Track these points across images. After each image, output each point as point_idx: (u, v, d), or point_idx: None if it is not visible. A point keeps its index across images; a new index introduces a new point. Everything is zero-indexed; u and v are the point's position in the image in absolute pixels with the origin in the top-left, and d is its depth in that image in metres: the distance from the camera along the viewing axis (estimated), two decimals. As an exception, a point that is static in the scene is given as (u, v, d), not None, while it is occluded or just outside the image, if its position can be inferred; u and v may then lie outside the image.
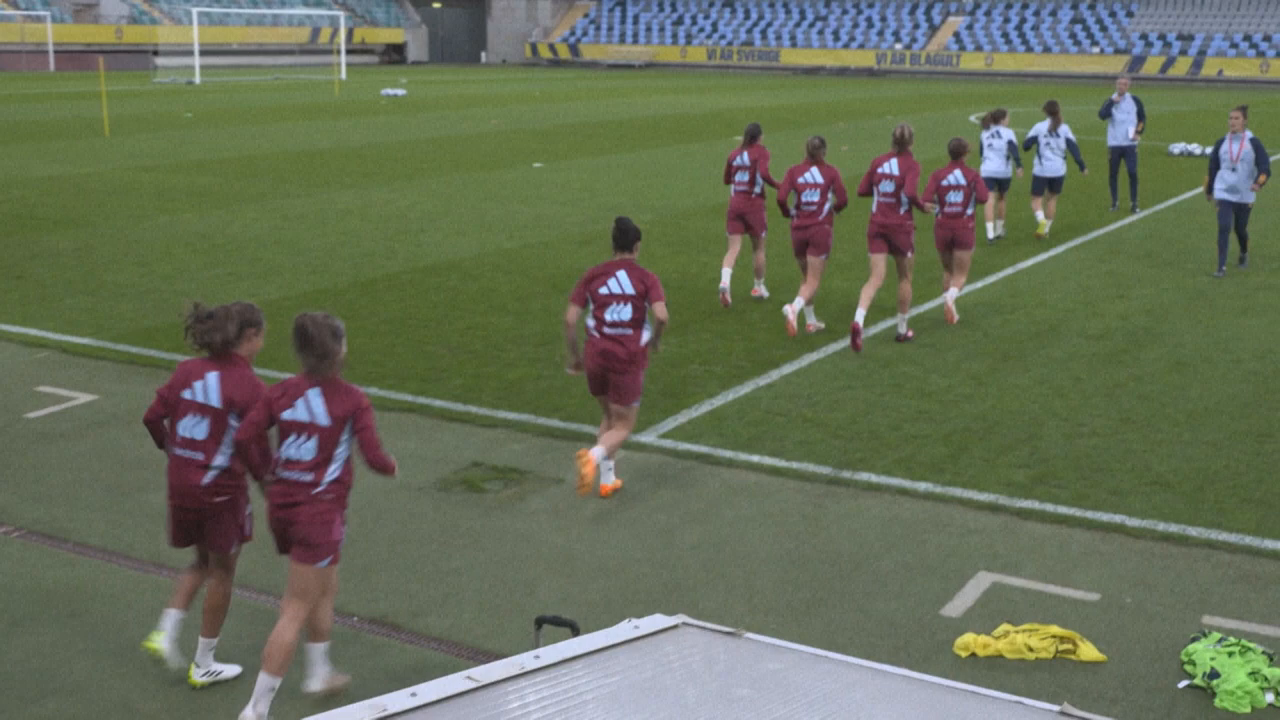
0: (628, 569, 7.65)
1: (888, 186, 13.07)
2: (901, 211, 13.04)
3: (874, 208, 13.20)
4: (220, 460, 6.08)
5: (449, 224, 20.12)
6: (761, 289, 15.09)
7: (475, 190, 24.11)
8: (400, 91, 54.46)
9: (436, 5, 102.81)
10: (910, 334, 13.28)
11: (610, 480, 8.87)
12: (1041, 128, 19.92)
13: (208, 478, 6.09)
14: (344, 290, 15.26)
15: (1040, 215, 19.80)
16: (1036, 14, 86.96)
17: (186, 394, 6.12)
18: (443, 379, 11.53)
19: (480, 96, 53.74)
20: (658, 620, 3.60)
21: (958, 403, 11.08)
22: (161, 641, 6.22)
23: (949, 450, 9.83)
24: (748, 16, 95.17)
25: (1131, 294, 15.70)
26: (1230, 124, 16.73)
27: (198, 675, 6.28)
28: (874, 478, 9.23)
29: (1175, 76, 75.32)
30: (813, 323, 13.53)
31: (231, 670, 6.35)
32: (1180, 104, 54.88)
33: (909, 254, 13.10)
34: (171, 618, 6.25)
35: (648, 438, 10.00)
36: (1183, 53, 78.65)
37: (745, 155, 14.58)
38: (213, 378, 6.08)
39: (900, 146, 13.10)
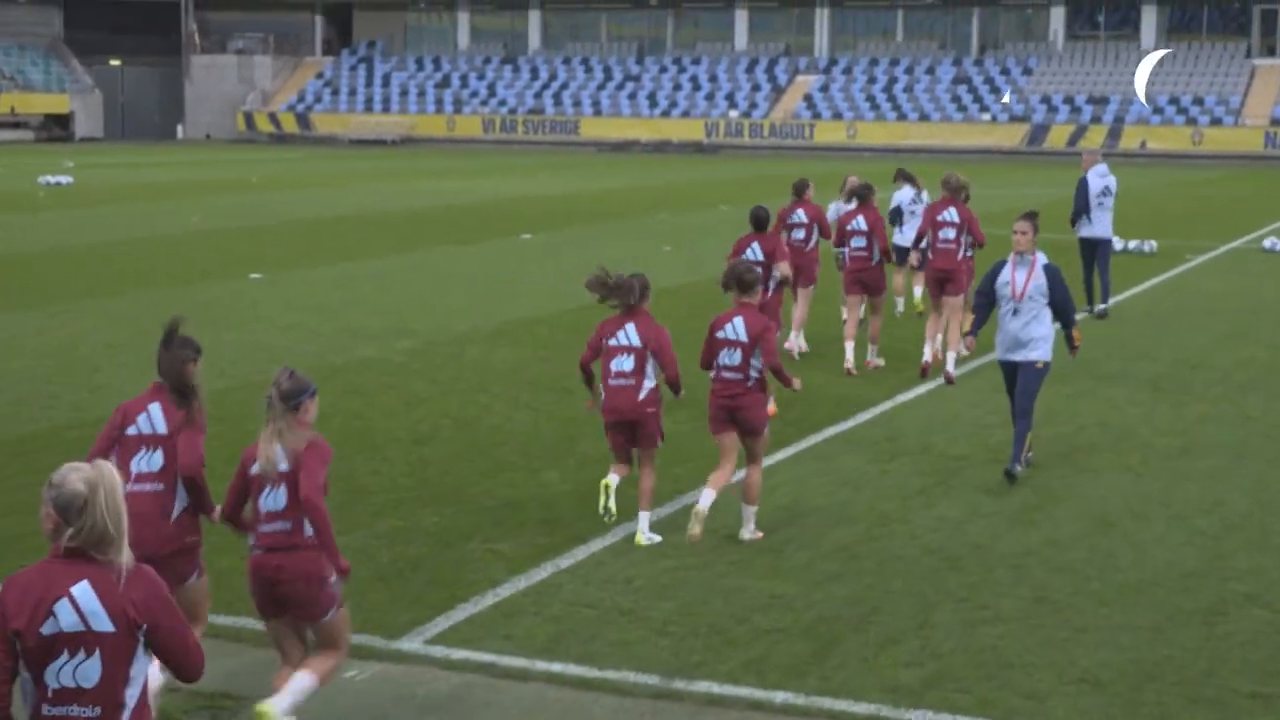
0: (386, 827, 7.52)
1: (946, 233, 19.42)
2: (959, 257, 19.14)
3: (931, 252, 19.56)
4: (649, 383, 12.08)
5: (133, 359, 19.80)
6: (800, 341, 20.38)
7: (170, 312, 23.61)
8: (65, 179, 53.76)
9: (115, 63, 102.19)
10: (953, 374, 17.88)
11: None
12: (905, 195, 23.51)
13: (642, 395, 12.04)
14: (-13, 453, 14.87)
15: (918, 290, 23.81)
16: (910, 72, 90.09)
17: (612, 342, 12.14)
18: (127, 572, 11.24)
19: (176, 185, 53.32)
20: None
21: (823, 583, 11.24)
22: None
23: (813, 647, 9.94)
24: (535, 76, 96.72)
25: (1040, 432, 16.17)
26: (1014, 240, 14.32)
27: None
28: (715, 688, 9.27)
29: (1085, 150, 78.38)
30: (873, 360, 19.63)
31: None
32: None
33: (959, 295, 18.98)
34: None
35: (410, 644, 9.89)
36: (1095, 120, 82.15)
37: (801, 212, 20.07)
38: (630, 326, 12.12)
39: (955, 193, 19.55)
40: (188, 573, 8.66)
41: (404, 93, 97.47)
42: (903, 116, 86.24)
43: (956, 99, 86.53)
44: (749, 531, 12.26)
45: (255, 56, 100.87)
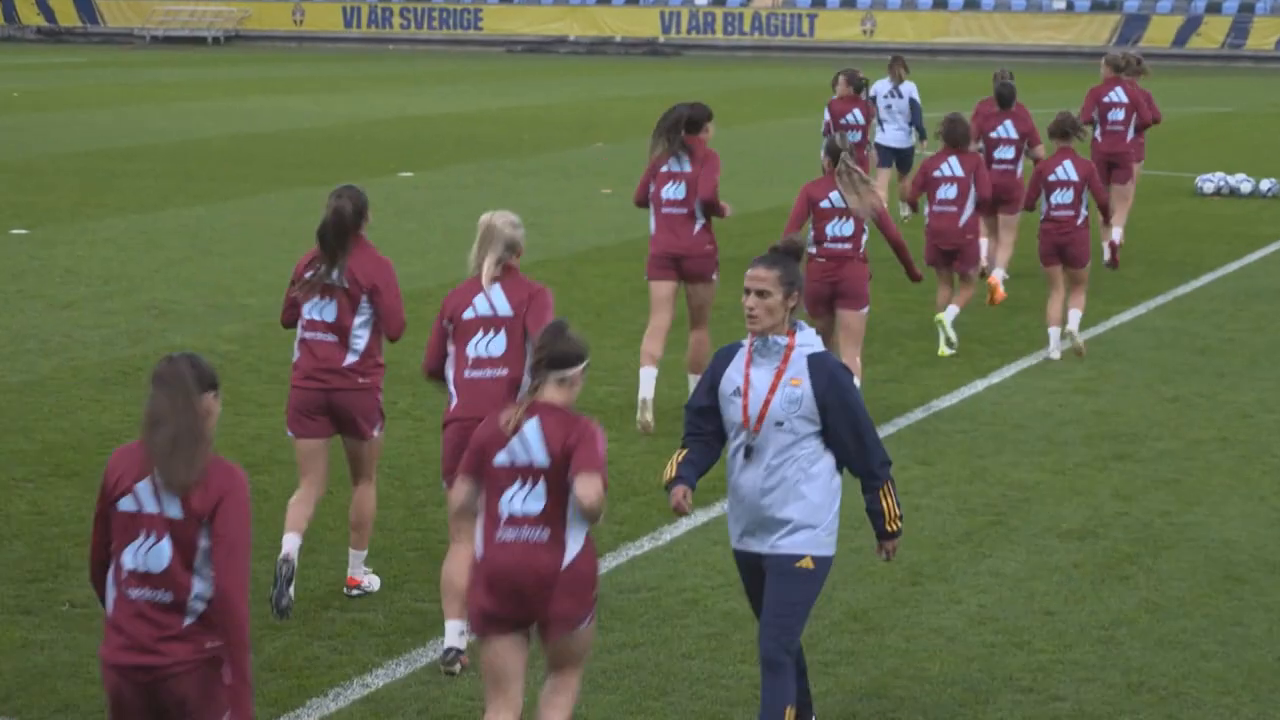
0: None
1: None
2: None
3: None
4: (969, 211, 20.20)
5: None
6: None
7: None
8: None
9: None
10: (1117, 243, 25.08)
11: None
12: (882, 86, 28.24)
13: (962, 221, 20.08)
14: None
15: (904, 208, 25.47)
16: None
17: (936, 173, 20.04)
18: None
19: (-96, 101, 53.07)
20: None
21: (831, 666, 11.25)
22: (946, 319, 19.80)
23: (817, 756, 9.95)
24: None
25: (1140, 450, 16.18)
26: (746, 311, 9.75)
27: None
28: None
29: (1199, 52, 78.62)
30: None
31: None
32: (1210, 100, 57.41)
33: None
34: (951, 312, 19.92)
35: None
36: (1212, 9, 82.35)
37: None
38: (954, 158, 20.27)
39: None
40: (709, 270, 16.75)
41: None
42: (941, 4, 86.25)
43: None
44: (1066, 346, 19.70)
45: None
